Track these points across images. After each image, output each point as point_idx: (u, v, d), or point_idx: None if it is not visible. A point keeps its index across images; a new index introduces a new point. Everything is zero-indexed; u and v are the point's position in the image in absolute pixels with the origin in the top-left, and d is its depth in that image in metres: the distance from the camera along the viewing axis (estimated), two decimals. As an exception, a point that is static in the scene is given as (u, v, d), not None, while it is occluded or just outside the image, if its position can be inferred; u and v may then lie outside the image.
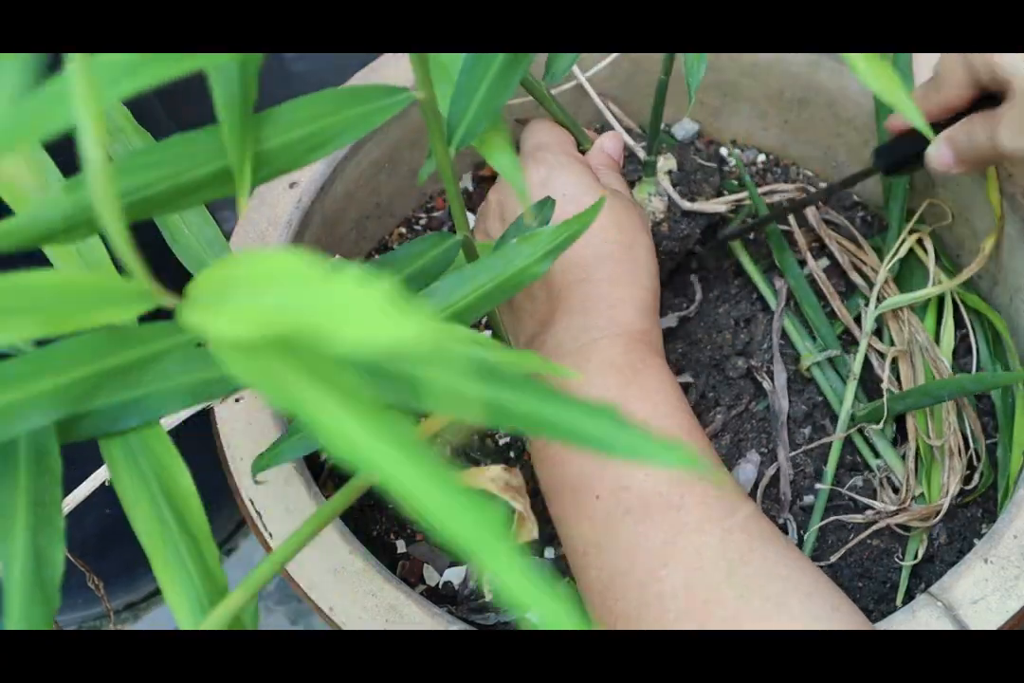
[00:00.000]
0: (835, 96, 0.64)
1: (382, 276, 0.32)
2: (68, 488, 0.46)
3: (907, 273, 0.61)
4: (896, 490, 0.55)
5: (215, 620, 0.25)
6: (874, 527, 0.53)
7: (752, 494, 0.56)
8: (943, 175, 0.58)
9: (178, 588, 0.26)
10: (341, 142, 0.28)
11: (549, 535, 0.48)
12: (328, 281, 0.17)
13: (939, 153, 0.49)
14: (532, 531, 0.37)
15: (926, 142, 0.49)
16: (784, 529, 0.55)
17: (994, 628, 0.43)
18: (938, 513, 0.53)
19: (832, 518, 0.55)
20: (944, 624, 0.43)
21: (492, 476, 0.34)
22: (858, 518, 0.54)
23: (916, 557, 0.53)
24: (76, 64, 0.20)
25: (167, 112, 0.69)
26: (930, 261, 0.59)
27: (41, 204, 0.23)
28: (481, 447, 0.58)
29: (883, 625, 0.43)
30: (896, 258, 0.59)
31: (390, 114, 0.29)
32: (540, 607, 0.18)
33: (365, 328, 0.16)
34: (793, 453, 0.57)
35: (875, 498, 0.55)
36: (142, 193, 0.24)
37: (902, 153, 0.53)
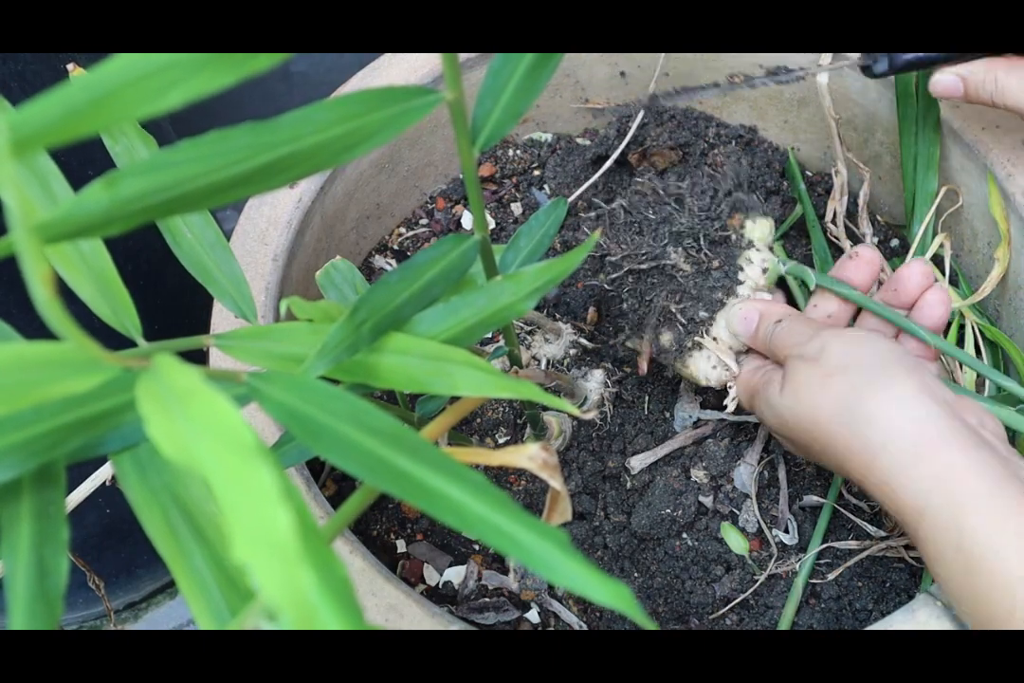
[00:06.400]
0: (835, 96, 0.64)
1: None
2: (68, 488, 0.46)
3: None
4: None
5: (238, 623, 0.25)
6: (872, 550, 0.54)
7: (752, 494, 0.56)
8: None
9: (197, 594, 0.26)
10: (375, 142, 0.28)
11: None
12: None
13: (948, 84, 0.50)
14: (566, 511, 0.37)
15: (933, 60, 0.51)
16: (784, 529, 0.56)
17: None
18: None
19: (828, 545, 0.55)
20: (943, 624, 0.43)
21: (530, 454, 0.34)
22: (852, 544, 0.54)
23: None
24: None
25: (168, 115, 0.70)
26: (944, 281, 0.60)
27: (80, 199, 0.23)
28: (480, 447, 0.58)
29: (883, 625, 0.44)
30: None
31: (422, 115, 0.29)
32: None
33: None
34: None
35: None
36: (176, 190, 0.24)
37: (904, 63, 0.53)
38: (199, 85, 0.21)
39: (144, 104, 0.21)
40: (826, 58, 0.61)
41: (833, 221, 0.64)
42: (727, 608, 0.53)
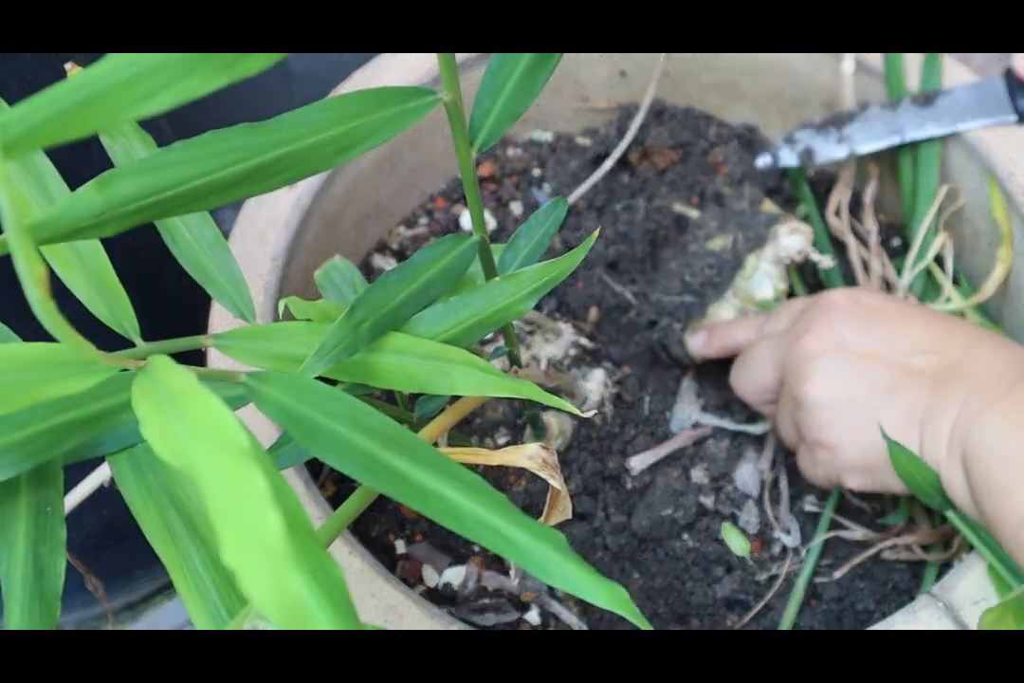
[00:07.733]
0: (835, 96, 0.64)
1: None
2: (67, 488, 0.46)
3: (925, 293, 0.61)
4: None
5: (236, 623, 0.25)
6: (877, 547, 0.54)
7: (754, 495, 0.56)
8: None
9: (194, 595, 0.26)
10: (372, 143, 0.28)
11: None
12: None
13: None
14: (567, 509, 0.38)
15: None
16: (786, 530, 0.55)
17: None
18: (943, 536, 0.53)
19: (832, 533, 0.55)
20: (945, 624, 0.43)
21: (530, 454, 0.34)
22: (857, 534, 0.54)
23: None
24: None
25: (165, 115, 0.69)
26: (947, 282, 0.59)
27: (73, 200, 0.23)
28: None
29: (884, 625, 0.43)
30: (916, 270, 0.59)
31: (420, 116, 0.29)
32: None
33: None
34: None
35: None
36: (170, 192, 0.24)
37: None
38: (191, 87, 0.21)
39: (134, 107, 0.21)
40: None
41: (837, 214, 0.63)
42: (727, 609, 0.53)
